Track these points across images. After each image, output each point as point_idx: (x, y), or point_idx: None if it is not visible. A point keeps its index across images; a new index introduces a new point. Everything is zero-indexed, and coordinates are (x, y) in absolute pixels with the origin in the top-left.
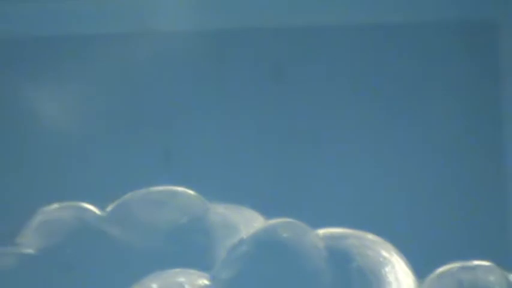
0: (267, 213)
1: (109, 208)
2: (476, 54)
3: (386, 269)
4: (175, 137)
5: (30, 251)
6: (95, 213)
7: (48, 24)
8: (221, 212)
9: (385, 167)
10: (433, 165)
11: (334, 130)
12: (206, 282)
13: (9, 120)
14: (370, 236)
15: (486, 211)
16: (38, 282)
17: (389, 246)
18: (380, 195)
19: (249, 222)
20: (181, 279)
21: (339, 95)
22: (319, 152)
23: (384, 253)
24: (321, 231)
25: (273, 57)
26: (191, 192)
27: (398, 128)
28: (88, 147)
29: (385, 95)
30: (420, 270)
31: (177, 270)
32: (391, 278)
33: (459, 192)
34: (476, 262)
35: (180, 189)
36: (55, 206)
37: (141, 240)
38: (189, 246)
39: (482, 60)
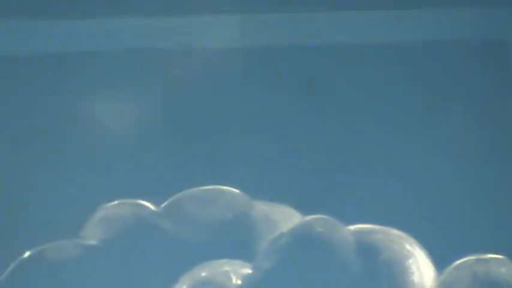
0: (304, 210)
1: (163, 205)
2: (489, 71)
3: (410, 261)
4: (222, 143)
5: (93, 242)
6: (150, 209)
7: (105, 39)
8: (263, 208)
9: (409, 171)
10: (453, 169)
11: (366, 136)
12: (249, 271)
13: (80, 128)
14: (396, 232)
15: (499, 211)
16: (99, 270)
17: (412, 240)
18: (405, 195)
19: (287, 218)
20: (227, 268)
21: (368, 106)
22: (351, 158)
23: (408, 247)
24: (352, 227)
25: (308, 73)
26: (236, 190)
27: (422, 135)
28: (145, 151)
29: (409, 107)
30: (439, 262)
31: (223, 260)
32: (414, 268)
33: (476, 194)
34: (490, 255)
35: (226, 188)
36: (115, 202)
37: (191, 233)
38: (234, 239)
39: (495, 77)
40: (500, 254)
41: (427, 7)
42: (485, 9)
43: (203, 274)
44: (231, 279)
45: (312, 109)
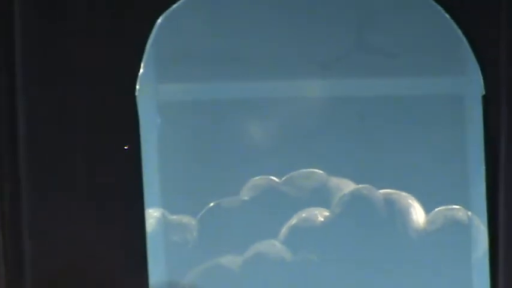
0: (358, 181)
1: (283, 179)
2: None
3: (411, 209)
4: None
5: (245, 198)
6: (277, 181)
7: None
8: (335, 181)
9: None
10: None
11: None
12: (327, 213)
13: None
14: (404, 193)
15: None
16: (248, 215)
17: (412, 197)
18: (406, 168)
19: (346, 187)
20: (316, 212)
21: None
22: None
23: (410, 201)
24: (381, 191)
25: None
26: (320, 171)
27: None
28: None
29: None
30: (427, 209)
31: (314, 208)
32: (413, 213)
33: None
34: (454, 206)
35: (314, 170)
36: (256, 178)
37: (295, 197)
38: (319, 197)
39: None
40: (459, 205)
41: (413, 76)
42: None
43: (303, 215)
44: (318, 217)
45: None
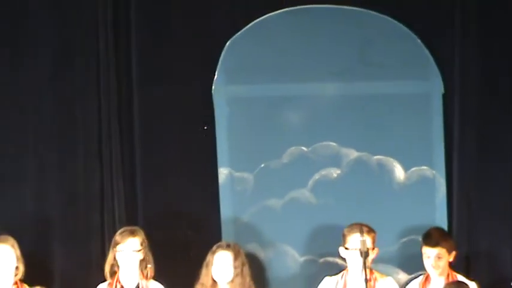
0: (359, 150)
1: (310, 148)
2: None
3: (393, 166)
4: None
5: (285, 161)
6: (305, 150)
7: None
8: (344, 150)
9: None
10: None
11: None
12: (339, 171)
13: None
14: (391, 158)
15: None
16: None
17: (393, 159)
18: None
19: (351, 154)
20: (331, 171)
21: None
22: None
23: (394, 164)
24: (375, 157)
25: None
26: (333, 143)
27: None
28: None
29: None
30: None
31: (329, 168)
32: (395, 169)
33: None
34: (423, 167)
35: (330, 143)
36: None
37: (318, 159)
38: (331, 161)
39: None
40: (426, 166)
41: (396, 80)
42: (420, 81)
43: (323, 173)
44: (333, 174)
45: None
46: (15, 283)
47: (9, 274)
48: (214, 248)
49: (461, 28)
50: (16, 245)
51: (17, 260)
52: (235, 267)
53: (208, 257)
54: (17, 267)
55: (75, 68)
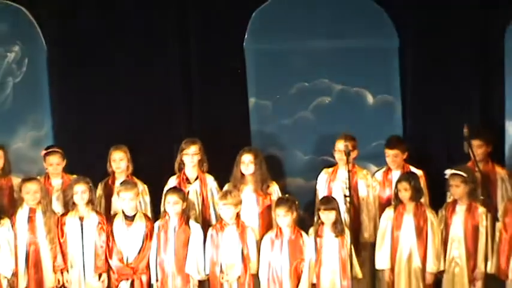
0: (342, 84)
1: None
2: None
3: (368, 96)
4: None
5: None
6: (306, 85)
7: None
8: (334, 85)
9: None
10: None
11: None
12: (330, 99)
13: None
14: (364, 90)
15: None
16: None
17: (367, 91)
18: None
19: (337, 87)
20: (325, 98)
21: None
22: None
23: (367, 93)
24: (354, 89)
25: None
26: (326, 80)
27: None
28: None
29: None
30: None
31: (322, 97)
32: (368, 96)
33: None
34: (386, 96)
35: (324, 80)
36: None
37: (316, 91)
38: (324, 92)
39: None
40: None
41: (362, 38)
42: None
43: (319, 100)
44: (325, 101)
45: None
46: (127, 177)
47: (123, 171)
48: (241, 151)
49: None
50: (128, 151)
51: (128, 160)
52: (255, 164)
53: (237, 158)
54: (127, 166)
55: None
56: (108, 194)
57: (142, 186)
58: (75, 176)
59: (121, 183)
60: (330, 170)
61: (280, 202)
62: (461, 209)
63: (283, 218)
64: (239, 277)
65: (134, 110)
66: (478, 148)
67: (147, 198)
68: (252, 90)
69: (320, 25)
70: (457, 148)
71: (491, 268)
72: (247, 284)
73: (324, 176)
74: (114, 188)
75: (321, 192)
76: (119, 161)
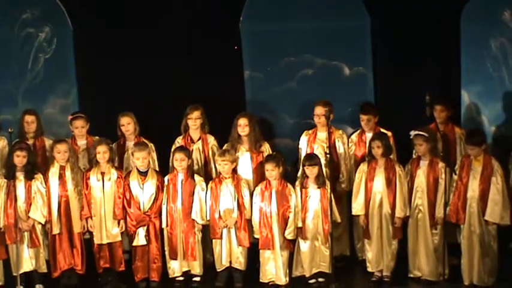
0: (324, 58)
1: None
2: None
3: (345, 69)
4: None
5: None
6: (293, 60)
7: None
8: (317, 60)
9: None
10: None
11: None
12: (313, 70)
13: None
14: (342, 64)
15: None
16: None
17: (344, 65)
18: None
19: (320, 61)
20: (310, 69)
21: None
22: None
23: (344, 66)
24: (333, 62)
25: None
26: (311, 56)
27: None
28: None
29: None
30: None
31: (308, 69)
32: (345, 68)
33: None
34: (359, 68)
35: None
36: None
37: (303, 62)
38: (310, 65)
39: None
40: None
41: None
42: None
43: (303, 72)
44: (308, 72)
45: None
46: (136, 137)
47: (132, 133)
48: (237, 116)
49: None
50: (133, 116)
51: (134, 124)
52: (249, 126)
53: (234, 121)
54: (135, 129)
55: None
56: (121, 152)
57: (149, 145)
58: (97, 137)
59: (134, 144)
60: (310, 131)
61: (269, 158)
62: (424, 163)
63: (271, 172)
64: (236, 222)
65: (148, 80)
66: (440, 112)
67: (154, 155)
68: (246, 64)
69: (304, 9)
70: (420, 112)
71: (448, 214)
72: (242, 228)
73: (304, 137)
74: (125, 147)
75: (303, 150)
76: (127, 124)
